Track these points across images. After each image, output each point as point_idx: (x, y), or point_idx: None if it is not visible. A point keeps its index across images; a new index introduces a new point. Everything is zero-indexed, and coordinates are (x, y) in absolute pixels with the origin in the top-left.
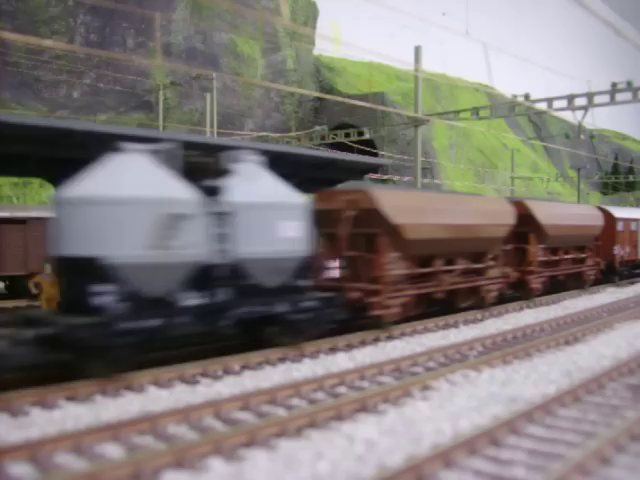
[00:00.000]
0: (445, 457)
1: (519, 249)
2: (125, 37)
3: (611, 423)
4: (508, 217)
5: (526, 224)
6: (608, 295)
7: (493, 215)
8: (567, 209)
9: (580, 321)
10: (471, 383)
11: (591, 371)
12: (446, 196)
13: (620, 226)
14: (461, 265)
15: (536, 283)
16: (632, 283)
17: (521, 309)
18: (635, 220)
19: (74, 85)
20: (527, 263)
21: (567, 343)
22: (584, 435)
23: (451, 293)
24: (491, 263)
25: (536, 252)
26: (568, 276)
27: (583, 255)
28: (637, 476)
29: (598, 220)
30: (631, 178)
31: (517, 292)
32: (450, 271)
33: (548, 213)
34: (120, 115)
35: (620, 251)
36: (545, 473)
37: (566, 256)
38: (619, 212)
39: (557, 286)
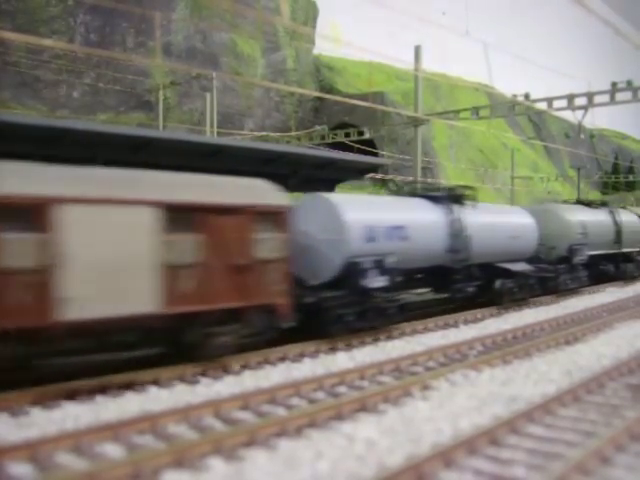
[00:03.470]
0: (445, 457)
1: None
2: (125, 37)
3: (611, 423)
4: None
5: None
6: (608, 295)
7: None
8: None
9: (580, 321)
10: (471, 383)
11: (591, 371)
12: None
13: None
14: None
15: None
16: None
17: (521, 309)
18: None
19: (74, 85)
20: None
21: (567, 343)
22: (584, 435)
23: None
24: None
25: None
26: None
27: None
28: (637, 476)
29: None
30: (631, 178)
31: None
32: None
33: None
34: (120, 115)
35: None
36: (545, 472)
37: None
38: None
39: None
